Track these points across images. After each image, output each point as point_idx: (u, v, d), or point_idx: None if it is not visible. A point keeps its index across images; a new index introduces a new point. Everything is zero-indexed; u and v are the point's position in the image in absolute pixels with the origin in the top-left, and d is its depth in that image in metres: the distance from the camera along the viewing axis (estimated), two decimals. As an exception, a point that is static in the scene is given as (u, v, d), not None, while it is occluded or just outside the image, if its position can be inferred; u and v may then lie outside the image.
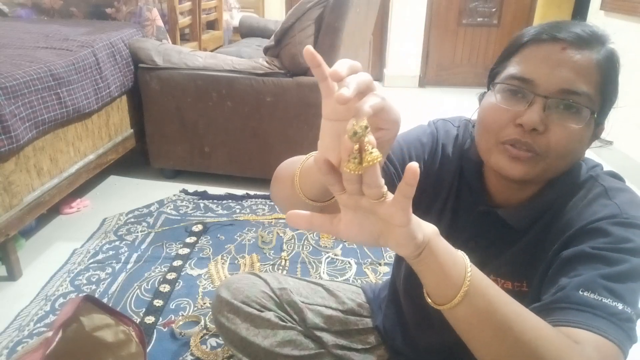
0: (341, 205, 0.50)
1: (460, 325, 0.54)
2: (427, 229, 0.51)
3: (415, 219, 0.48)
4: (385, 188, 0.45)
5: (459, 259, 0.52)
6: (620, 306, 0.57)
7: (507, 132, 0.66)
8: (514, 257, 0.72)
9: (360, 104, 0.42)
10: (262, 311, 1.00)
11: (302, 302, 1.04)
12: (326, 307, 1.06)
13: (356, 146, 0.42)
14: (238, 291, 1.02)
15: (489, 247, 0.75)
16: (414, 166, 0.43)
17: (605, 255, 0.60)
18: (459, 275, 0.51)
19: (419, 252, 0.50)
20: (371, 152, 0.42)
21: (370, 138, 0.41)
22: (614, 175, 0.73)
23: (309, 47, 0.44)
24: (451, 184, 0.80)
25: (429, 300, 0.55)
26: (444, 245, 0.52)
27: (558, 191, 0.70)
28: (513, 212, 0.72)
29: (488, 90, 0.72)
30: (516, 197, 0.73)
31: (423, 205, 0.82)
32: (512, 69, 0.67)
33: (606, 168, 0.75)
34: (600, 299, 0.57)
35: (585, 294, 0.58)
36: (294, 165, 0.65)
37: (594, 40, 0.64)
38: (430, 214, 0.82)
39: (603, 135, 0.72)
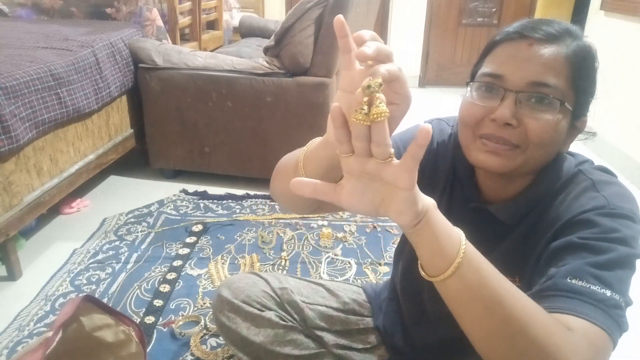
0: (345, 173, 0.52)
1: (451, 299, 0.55)
2: (426, 200, 0.53)
3: (416, 187, 0.50)
4: (392, 149, 0.47)
5: (455, 233, 0.54)
6: (608, 293, 0.57)
7: (483, 128, 0.68)
8: (505, 253, 0.73)
9: (378, 66, 0.46)
10: (262, 311, 1.00)
11: (303, 301, 1.04)
12: (327, 306, 1.06)
13: (366, 98, 0.44)
14: (239, 290, 1.02)
15: (481, 243, 0.75)
16: (427, 127, 0.45)
17: (593, 245, 0.61)
18: (453, 248, 0.53)
19: (418, 220, 0.52)
20: (379, 106, 0.44)
21: (381, 95, 0.44)
22: (604, 170, 0.73)
23: (340, 17, 0.49)
24: (445, 182, 0.82)
25: (423, 273, 0.56)
26: (441, 218, 0.54)
27: (546, 186, 0.71)
28: (503, 208, 0.73)
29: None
30: (505, 193, 0.74)
31: None
32: (485, 67, 0.70)
33: (611, 168, 0.75)
34: (588, 285, 0.57)
35: (573, 281, 0.58)
36: (297, 154, 0.68)
37: (562, 35, 0.65)
38: None
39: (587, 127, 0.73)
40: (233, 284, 1.04)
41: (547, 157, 0.69)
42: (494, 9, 4.19)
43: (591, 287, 0.57)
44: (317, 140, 0.63)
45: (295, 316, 1.02)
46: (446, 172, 0.82)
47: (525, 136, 0.65)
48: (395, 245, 1.75)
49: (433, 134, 0.83)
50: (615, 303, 0.57)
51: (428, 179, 0.82)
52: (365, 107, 0.44)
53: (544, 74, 0.64)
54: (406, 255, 0.90)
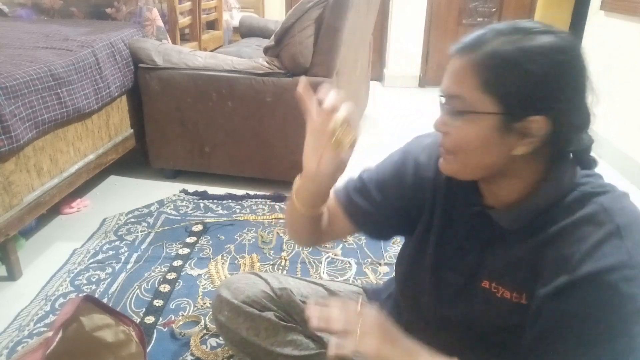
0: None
1: None
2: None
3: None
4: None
5: None
6: None
7: None
8: (510, 263, 0.72)
9: (337, 114, 0.70)
10: (262, 311, 1.00)
11: (303, 302, 1.04)
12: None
13: (338, 132, 0.70)
14: (238, 291, 1.02)
15: (484, 249, 0.75)
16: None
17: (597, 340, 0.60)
18: None
19: None
20: (349, 135, 0.71)
21: (344, 128, 0.70)
22: (618, 197, 0.67)
23: (304, 79, 0.73)
24: (434, 187, 0.82)
25: None
26: None
27: (544, 196, 0.68)
28: (503, 213, 0.72)
29: None
30: (503, 199, 0.73)
31: (414, 213, 0.85)
32: None
33: (609, 168, 0.74)
34: None
35: None
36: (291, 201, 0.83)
37: (474, 44, 0.65)
38: (422, 219, 0.84)
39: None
40: (232, 284, 1.04)
41: (492, 161, 0.68)
42: (494, 9, 4.19)
43: None
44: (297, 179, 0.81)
45: (295, 317, 1.02)
46: (432, 178, 0.82)
47: (450, 142, 0.69)
48: (395, 246, 1.76)
49: (409, 149, 0.88)
50: None
51: (412, 191, 0.84)
52: (340, 138, 0.70)
53: (452, 86, 0.67)
54: (407, 260, 0.89)
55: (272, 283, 1.05)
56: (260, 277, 1.07)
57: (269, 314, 0.99)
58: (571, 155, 0.70)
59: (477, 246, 0.76)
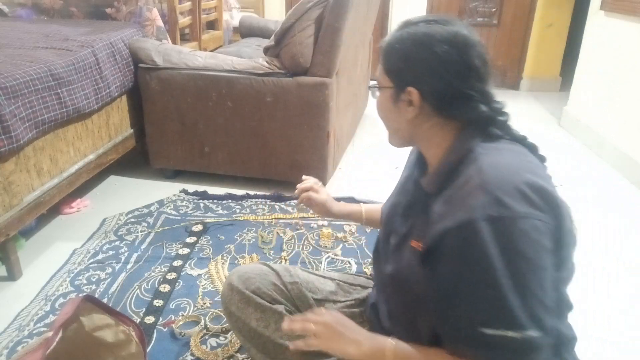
0: None
1: None
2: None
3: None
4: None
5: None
6: (513, 334, 0.66)
7: None
8: (427, 222, 0.80)
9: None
10: (273, 304, 1.00)
11: (313, 297, 1.05)
12: (335, 301, 1.08)
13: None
14: (249, 281, 1.03)
15: (418, 214, 0.85)
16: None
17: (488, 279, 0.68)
18: None
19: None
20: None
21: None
22: (496, 159, 0.75)
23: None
24: (414, 162, 0.94)
25: None
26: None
27: (446, 161, 0.80)
28: (424, 179, 0.84)
29: None
30: (431, 165, 0.85)
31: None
32: None
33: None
34: (497, 333, 0.67)
35: (482, 330, 0.68)
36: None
37: (390, 36, 0.84)
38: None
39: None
40: (245, 273, 1.05)
41: (398, 125, 0.85)
42: (494, 9, 4.19)
43: (501, 333, 0.67)
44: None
45: (305, 311, 1.02)
46: (413, 156, 0.96)
47: (377, 111, 0.89)
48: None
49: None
50: (526, 340, 0.66)
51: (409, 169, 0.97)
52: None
53: (376, 71, 0.88)
54: (376, 246, 1.01)
55: (283, 276, 1.06)
56: (272, 268, 1.08)
57: (280, 307, 1.00)
58: (476, 127, 0.80)
59: (413, 212, 0.88)
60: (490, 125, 0.79)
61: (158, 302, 1.44)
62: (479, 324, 0.68)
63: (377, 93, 0.87)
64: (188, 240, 1.79)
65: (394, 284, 0.90)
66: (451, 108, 0.79)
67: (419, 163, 0.90)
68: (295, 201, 1.99)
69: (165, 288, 1.50)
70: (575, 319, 0.80)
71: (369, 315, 1.04)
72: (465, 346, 0.72)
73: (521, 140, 0.81)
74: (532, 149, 0.81)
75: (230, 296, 1.02)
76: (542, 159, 0.81)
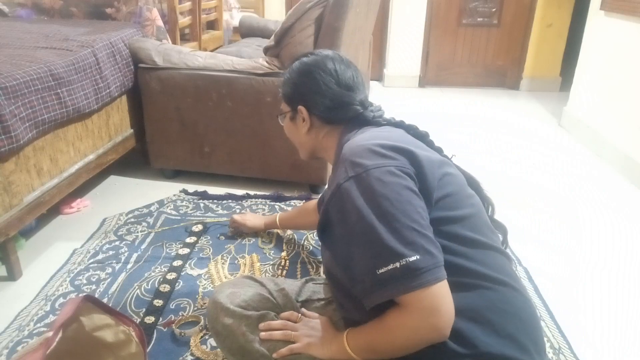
0: None
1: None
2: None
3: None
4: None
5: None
6: (392, 265, 0.75)
7: None
8: None
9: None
10: (260, 313, 1.00)
11: (297, 299, 1.06)
12: (318, 299, 1.09)
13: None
14: (234, 295, 1.02)
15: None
16: None
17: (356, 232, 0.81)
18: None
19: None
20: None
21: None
22: (355, 140, 0.93)
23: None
24: None
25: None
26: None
27: (337, 153, 1.01)
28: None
29: None
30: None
31: None
32: None
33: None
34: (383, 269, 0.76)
35: (377, 271, 0.76)
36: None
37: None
38: None
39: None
40: (227, 289, 1.04)
41: (301, 140, 1.12)
42: (494, 9, 4.19)
43: (390, 267, 0.74)
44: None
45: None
46: None
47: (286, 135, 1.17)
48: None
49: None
50: (407, 265, 0.74)
51: None
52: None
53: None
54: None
55: (268, 285, 1.05)
56: (256, 280, 1.08)
57: (270, 314, 0.99)
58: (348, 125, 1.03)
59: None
60: (365, 119, 1.00)
61: (158, 302, 1.44)
62: (374, 269, 0.76)
63: (282, 120, 1.13)
64: (188, 240, 1.79)
65: (327, 274, 1.03)
66: (333, 116, 1.03)
67: None
68: (295, 201, 2.03)
69: (165, 288, 1.50)
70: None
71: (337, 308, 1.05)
72: (373, 295, 0.77)
73: (400, 124, 1.01)
74: (409, 128, 1.00)
75: (215, 314, 1.01)
76: (421, 135, 0.99)
